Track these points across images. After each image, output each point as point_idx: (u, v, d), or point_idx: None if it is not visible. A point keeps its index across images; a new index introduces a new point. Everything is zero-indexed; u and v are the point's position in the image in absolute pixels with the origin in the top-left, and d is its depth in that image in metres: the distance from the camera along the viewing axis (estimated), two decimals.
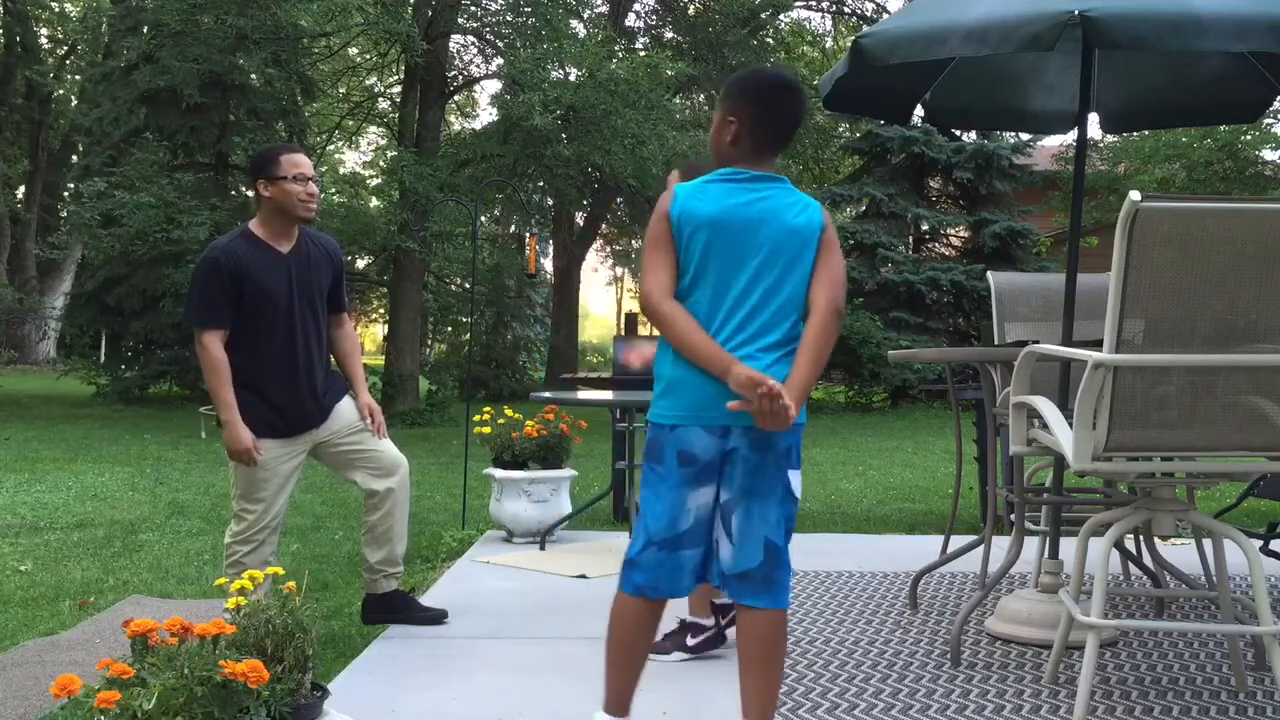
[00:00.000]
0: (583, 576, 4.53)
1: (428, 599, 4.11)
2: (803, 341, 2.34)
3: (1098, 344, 2.70)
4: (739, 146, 2.40)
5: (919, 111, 4.53)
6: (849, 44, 4.31)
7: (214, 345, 3.36)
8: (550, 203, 21.46)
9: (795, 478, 2.39)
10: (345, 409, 3.64)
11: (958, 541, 4.44)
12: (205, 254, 3.42)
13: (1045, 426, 3.00)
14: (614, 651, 2.41)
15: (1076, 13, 3.01)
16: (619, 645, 2.40)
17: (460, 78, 18.76)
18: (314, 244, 3.58)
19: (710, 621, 3.38)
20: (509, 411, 5.74)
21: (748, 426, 2.31)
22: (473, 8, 16.07)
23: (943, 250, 19.50)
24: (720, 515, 2.37)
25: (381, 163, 25.13)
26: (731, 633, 3.47)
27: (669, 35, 19.79)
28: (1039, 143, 20.11)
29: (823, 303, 2.34)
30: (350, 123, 23.83)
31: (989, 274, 4.87)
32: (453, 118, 25.23)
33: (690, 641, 3.35)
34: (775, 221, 2.34)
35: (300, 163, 3.44)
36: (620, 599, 2.40)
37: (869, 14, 22.03)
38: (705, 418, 2.31)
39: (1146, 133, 18.06)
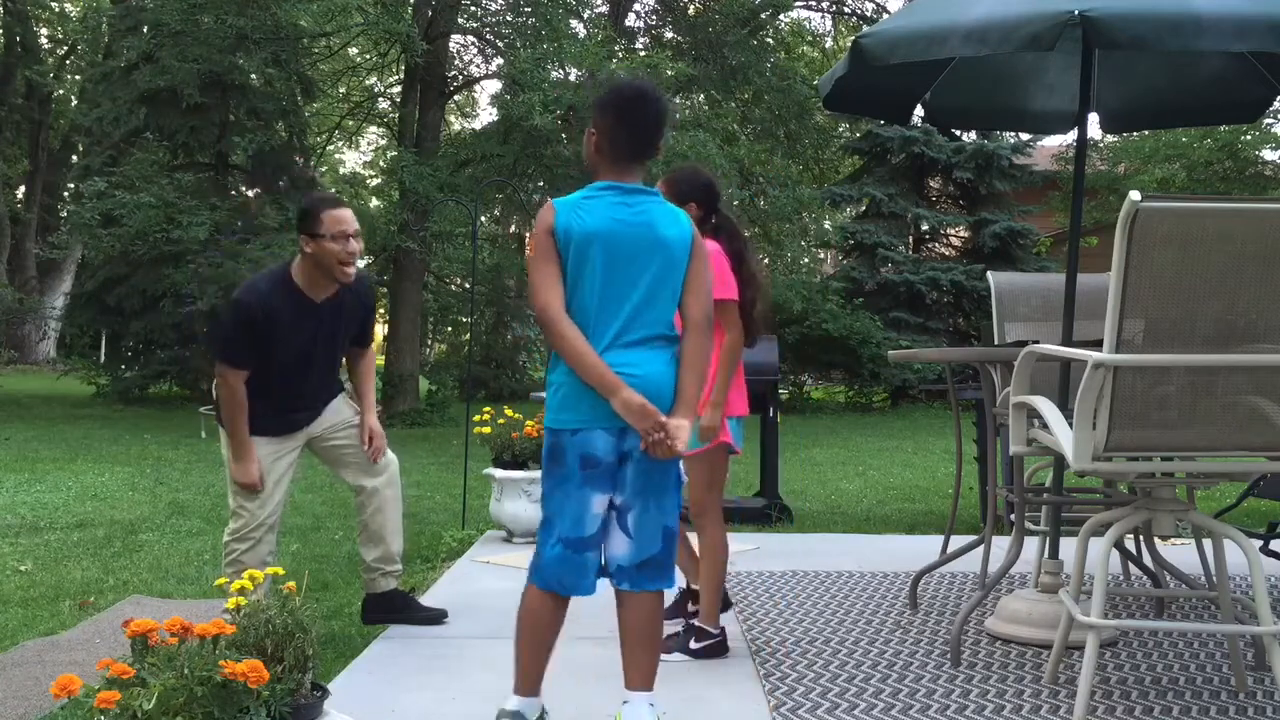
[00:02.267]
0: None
1: (428, 599, 4.11)
2: (683, 356, 2.48)
3: (1098, 344, 2.70)
4: (603, 155, 2.52)
5: (919, 111, 4.52)
6: (849, 44, 4.30)
7: (237, 383, 3.38)
8: None
9: (681, 465, 2.55)
10: (338, 406, 3.68)
11: (958, 541, 4.44)
12: (243, 299, 3.39)
13: (1045, 426, 3.00)
14: (525, 640, 2.54)
15: (1076, 13, 3.01)
16: (529, 635, 2.54)
17: (460, 78, 18.74)
18: (349, 291, 3.55)
19: (717, 630, 3.38)
20: (509, 411, 5.74)
21: None
22: (473, 8, 16.05)
23: (943, 250, 19.51)
24: (616, 516, 2.50)
25: (381, 163, 25.12)
26: (735, 643, 3.47)
27: (669, 35, 19.77)
28: (1039, 143, 20.11)
29: (697, 313, 2.49)
30: (350, 123, 23.80)
31: (989, 274, 4.87)
32: (453, 118, 25.23)
33: (694, 645, 3.36)
34: (653, 235, 2.46)
35: (342, 219, 3.39)
36: (531, 592, 2.52)
37: (869, 14, 22.02)
38: (605, 420, 2.43)
39: (1146, 133, 18.06)
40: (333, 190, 25.05)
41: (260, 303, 3.37)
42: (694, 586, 3.47)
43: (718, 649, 3.37)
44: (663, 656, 3.30)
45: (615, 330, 2.43)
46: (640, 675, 2.53)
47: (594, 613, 3.90)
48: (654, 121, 2.50)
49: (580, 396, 2.43)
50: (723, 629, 3.40)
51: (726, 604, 3.56)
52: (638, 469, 2.46)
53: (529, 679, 2.57)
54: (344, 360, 3.76)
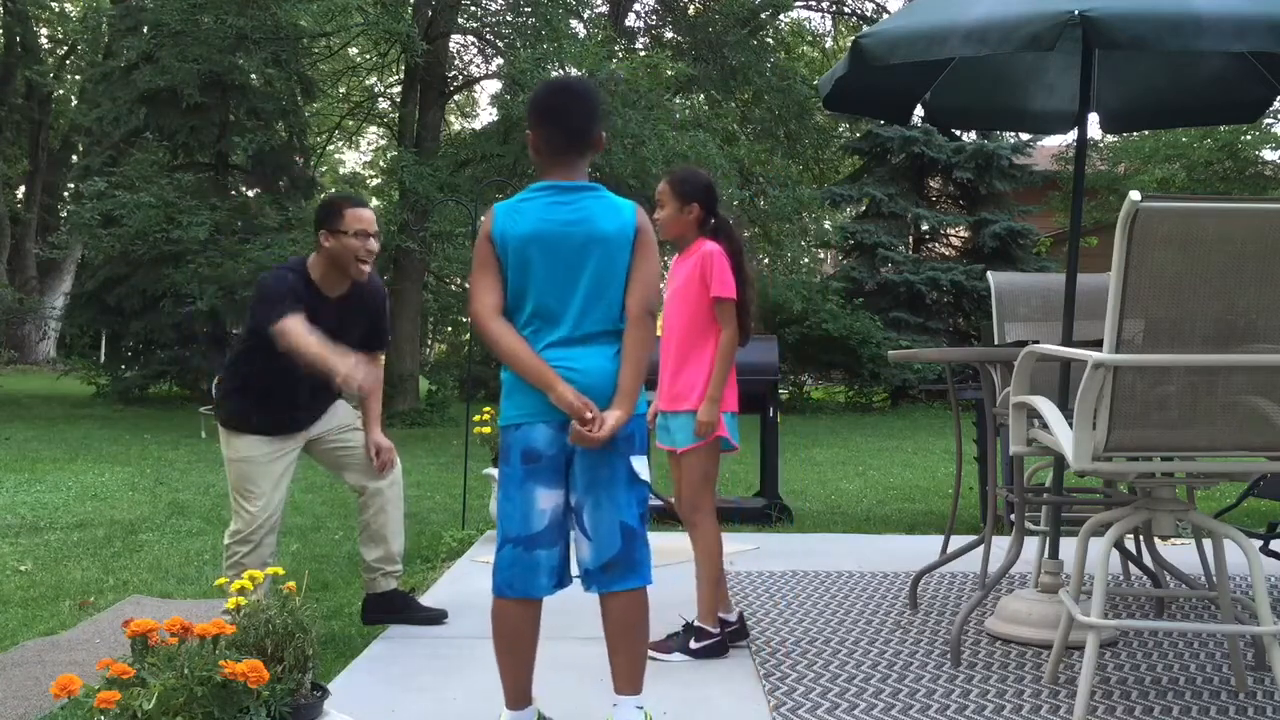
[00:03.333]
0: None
1: (428, 599, 4.11)
2: (624, 349, 2.49)
3: (1098, 344, 2.70)
4: (541, 155, 2.54)
5: (919, 111, 4.52)
6: (849, 44, 4.30)
7: (297, 327, 3.24)
8: None
9: (639, 463, 2.52)
10: (337, 408, 3.68)
11: (958, 541, 4.44)
12: (274, 270, 3.46)
13: (1045, 426, 3.00)
14: (500, 652, 2.54)
15: (1076, 13, 3.01)
16: (503, 645, 2.53)
17: (460, 78, 18.74)
18: (361, 289, 3.58)
19: (716, 630, 3.38)
20: None
21: None
22: (473, 8, 16.06)
23: (943, 250, 19.51)
24: (574, 517, 2.51)
25: (381, 163, 25.13)
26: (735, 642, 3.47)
27: (669, 35, 19.79)
28: (1039, 143, 20.12)
29: (635, 307, 2.49)
30: (350, 123, 23.82)
31: (989, 274, 4.87)
32: (453, 118, 25.23)
33: (694, 645, 3.36)
34: (589, 231, 2.47)
35: (364, 218, 3.43)
36: (493, 602, 2.53)
37: (869, 14, 22.04)
38: (545, 414, 2.45)
39: (1146, 133, 18.07)
40: (333, 190, 25.05)
41: (289, 272, 3.44)
42: (697, 624, 3.44)
43: (717, 649, 3.37)
44: (663, 657, 3.31)
45: (564, 328, 2.46)
46: (625, 678, 2.53)
47: (595, 612, 3.90)
48: (583, 115, 2.51)
49: (523, 391, 2.47)
50: (722, 629, 3.40)
51: (743, 632, 3.53)
52: (582, 464, 2.46)
53: (515, 691, 2.56)
54: None
